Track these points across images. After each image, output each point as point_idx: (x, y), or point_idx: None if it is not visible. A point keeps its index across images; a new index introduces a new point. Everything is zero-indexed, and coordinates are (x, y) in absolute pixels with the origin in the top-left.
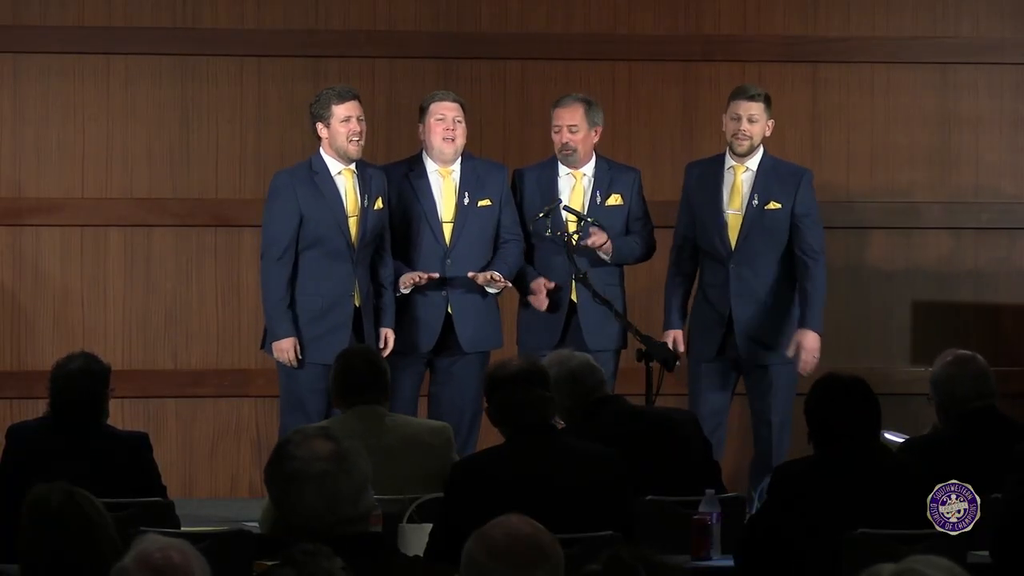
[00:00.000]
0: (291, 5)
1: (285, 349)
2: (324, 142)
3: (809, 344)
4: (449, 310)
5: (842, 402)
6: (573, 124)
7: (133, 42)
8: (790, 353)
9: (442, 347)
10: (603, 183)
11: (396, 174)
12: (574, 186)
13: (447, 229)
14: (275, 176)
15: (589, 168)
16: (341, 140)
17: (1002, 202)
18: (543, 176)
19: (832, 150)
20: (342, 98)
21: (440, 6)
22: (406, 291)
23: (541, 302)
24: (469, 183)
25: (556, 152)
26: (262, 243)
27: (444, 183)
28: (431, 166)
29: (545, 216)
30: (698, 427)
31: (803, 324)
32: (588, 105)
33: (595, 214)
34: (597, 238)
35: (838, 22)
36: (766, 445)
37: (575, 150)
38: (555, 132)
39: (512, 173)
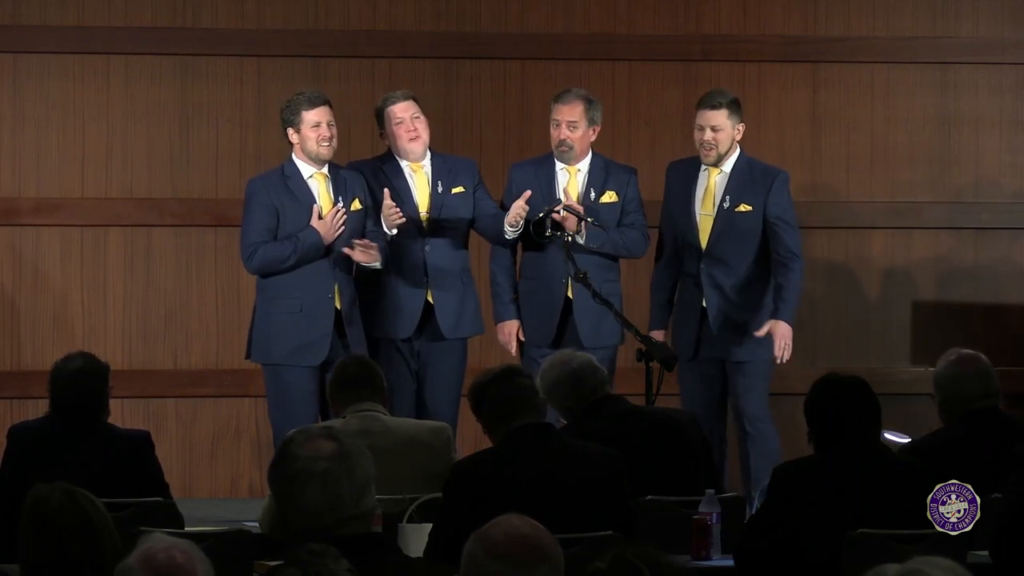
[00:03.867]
0: (291, 5)
1: (329, 229)
2: (295, 147)
3: (782, 331)
4: (429, 297)
5: (842, 402)
6: (573, 120)
7: (133, 42)
8: (761, 333)
9: (422, 333)
10: (598, 180)
11: (368, 170)
12: (569, 181)
13: (424, 219)
14: (248, 183)
15: (585, 164)
16: (311, 144)
17: (1002, 202)
18: (540, 171)
19: (832, 150)
20: (312, 104)
21: (440, 6)
22: (393, 231)
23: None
24: (441, 174)
25: (552, 147)
26: (243, 244)
27: (417, 176)
28: (403, 162)
29: (545, 216)
30: (699, 428)
31: (776, 316)
32: (588, 103)
33: (589, 211)
34: (570, 223)
35: (838, 22)
36: (746, 441)
37: (572, 147)
38: (554, 127)
39: (508, 169)
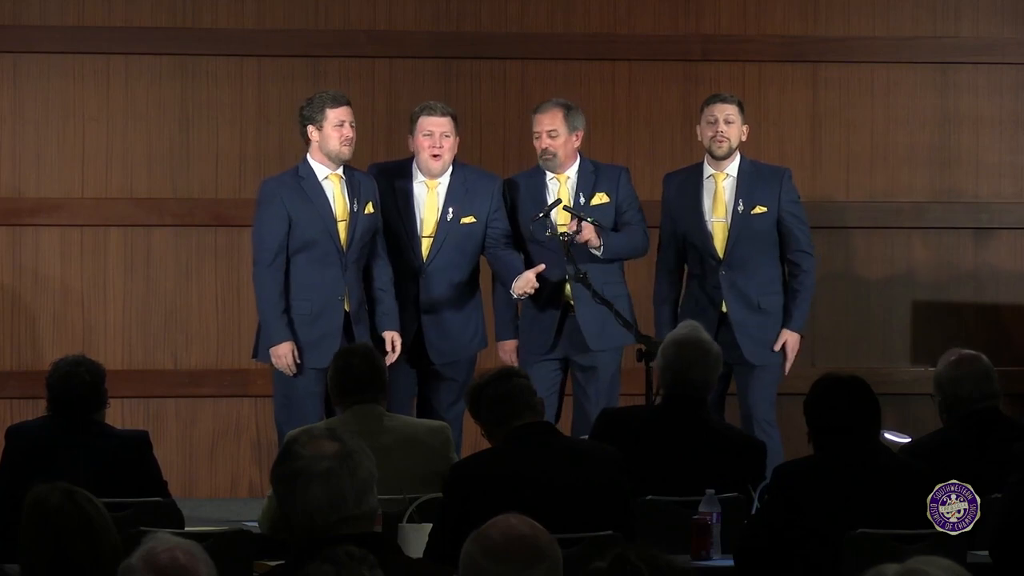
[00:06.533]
0: (291, 5)
1: (283, 354)
2: (313, 146)
3: (793, 344)
4: (421, 323)
5: (841, 402)
6: (552, 129)
7: (133, 42)
8: (776, 348)
9: (423, 355)
10: (587, 184)
11: (384, 178)
12: (559, 189)
13: (425, 244)
14: (262, 183)
15: (572, 171)
16: (334, 144)
17: (1002, 202)
18: (531, 182)
19: (832, 150)
20: (336, 102)
21: (440, 6)
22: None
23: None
24: (456, 197)
25: (538, 157)
26: (253, 250)
27: (428, 196)
28: (419, 177)
29: (544, 216)
30: (762, 458)
31: (788, 324)
32: (567, 109)
33: (584, 214)
34: (586, 233)
35: (838, 22)
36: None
37: (555, 155)
38: (535, 138)
39: (503, 183)
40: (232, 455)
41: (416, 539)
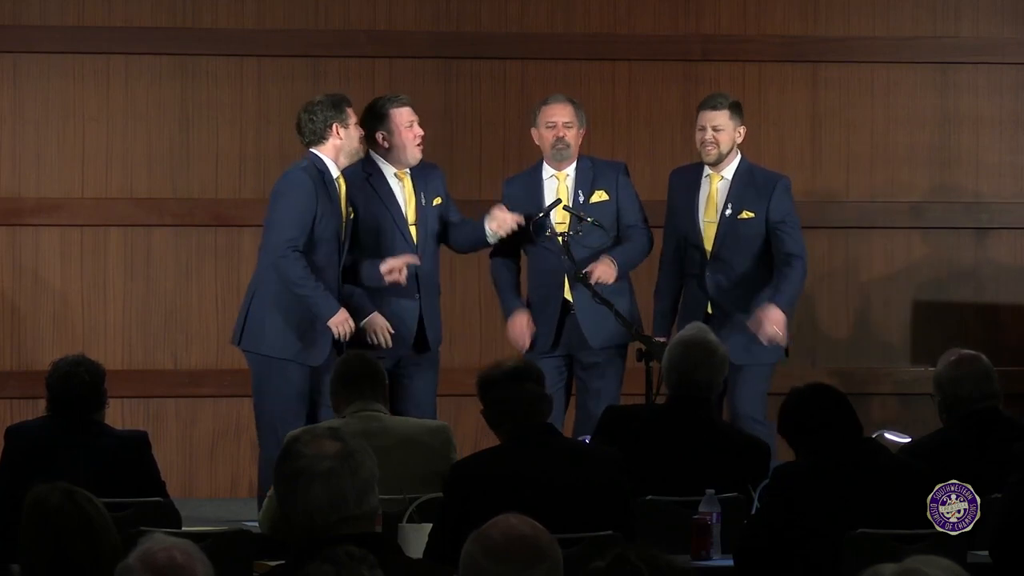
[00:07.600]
0: (291, 5)
1: (342, 320)
2: (332, 144)
3: (773, 315)
4: (420, 311)
5: (828, 402)
6: (568, 121)
7: (133, 42)
8: (753, 328)
9: (418, 344)
10: (586, 181)
11: (355, 178)
12: (558, 187)
13: (413, 231)
14: (289, 172)
15: (571, 169)
16: (355, 143)
17: (1002, 202)
18: (529, 181)
19: (832, 150)
20: (350, 103)
21: (440, 6)
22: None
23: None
24: (422, 183)
25: (547, 148)
26: (276, 236)
27: (404, 185)
28: (388, 169)
29: (544, 216)
30: (765, 459)
31: (771, 299)
32: (576, 105)
33: (584, 213)
34: (603, 274)
35: (838, 22)
36: None
37: (569, 145)
38: (547, 128)
39: (502, 184)
40: (232, 455)
41: (416, 539)
